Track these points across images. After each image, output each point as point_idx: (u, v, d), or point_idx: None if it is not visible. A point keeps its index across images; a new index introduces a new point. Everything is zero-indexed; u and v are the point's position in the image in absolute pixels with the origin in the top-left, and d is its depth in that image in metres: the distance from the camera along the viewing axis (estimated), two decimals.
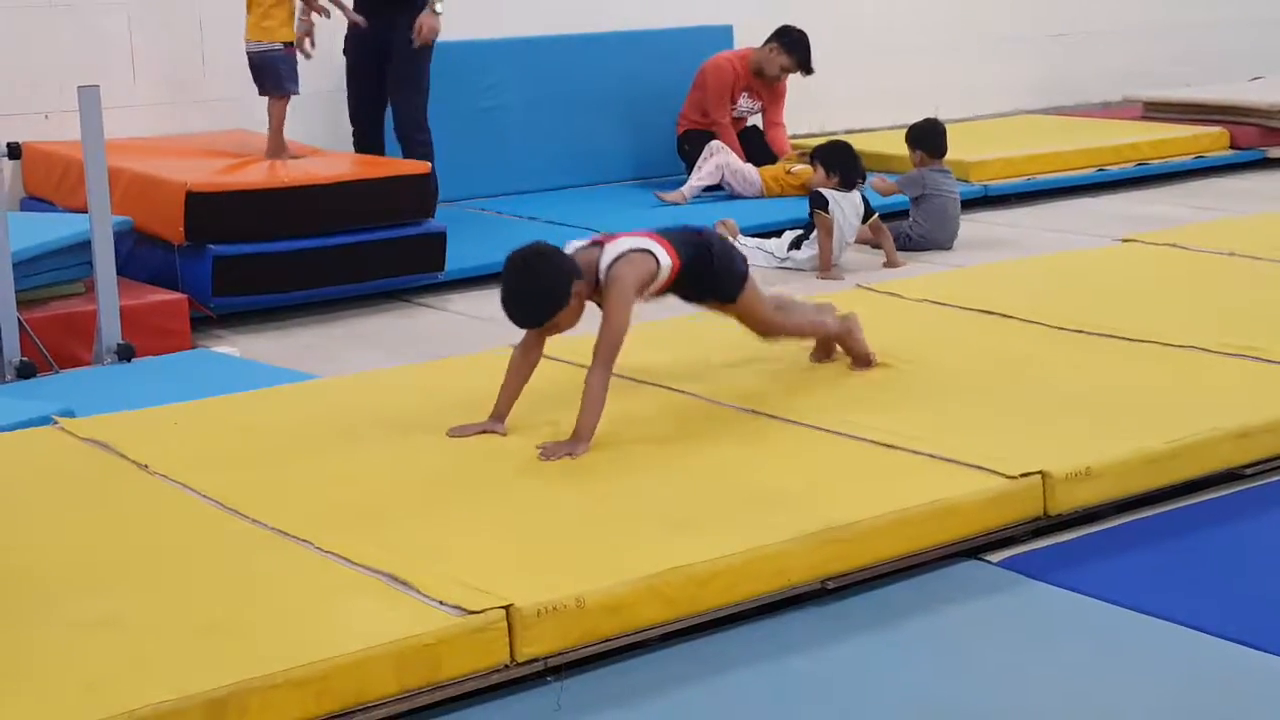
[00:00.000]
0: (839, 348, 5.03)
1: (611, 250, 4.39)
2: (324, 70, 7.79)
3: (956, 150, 8.21)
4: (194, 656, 3.12)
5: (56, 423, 4.66)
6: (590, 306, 4.42)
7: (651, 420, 4.57)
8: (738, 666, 3.37)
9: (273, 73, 7.18)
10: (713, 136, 8.80)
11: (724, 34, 9.60)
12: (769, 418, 4.55)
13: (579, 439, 4.25)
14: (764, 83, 9.04)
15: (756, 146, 8.97)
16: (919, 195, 7.75)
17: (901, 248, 7.53)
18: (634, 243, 4.43)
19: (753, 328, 4.81)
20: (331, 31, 7.69)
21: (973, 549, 3.89)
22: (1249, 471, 4.34)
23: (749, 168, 8.69)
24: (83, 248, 5.87)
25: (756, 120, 9.19)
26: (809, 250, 7.32)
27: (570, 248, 4.43)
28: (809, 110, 9.71)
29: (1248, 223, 7.71)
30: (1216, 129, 9.98)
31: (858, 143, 7.81)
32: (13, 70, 7.59)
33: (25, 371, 5.44)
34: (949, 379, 4.90)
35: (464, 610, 3.26)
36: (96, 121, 5.54)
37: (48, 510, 4.04)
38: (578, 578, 3.41)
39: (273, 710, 3.01)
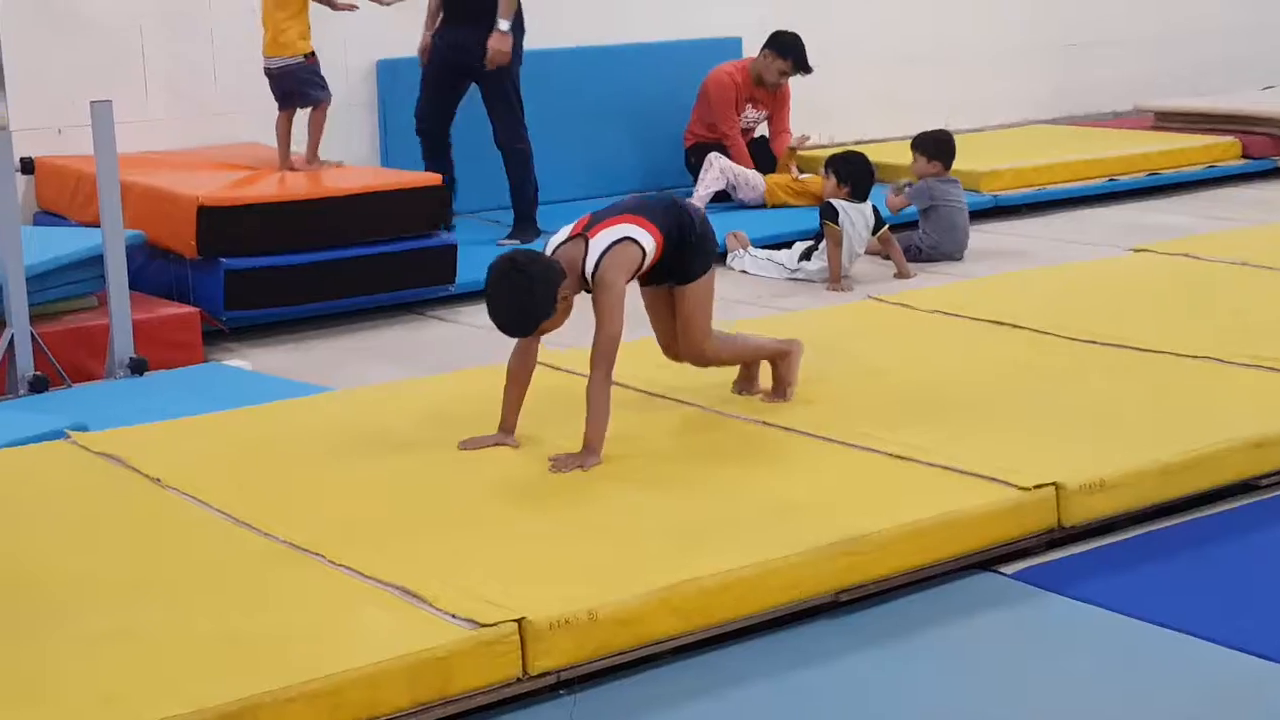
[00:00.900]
0: (757, 382, 4.87)
1: (596, 247, 4.34)
2: (333, 83, 7.79)
3: (967, 160, 8.21)
4: (208, 670, 3.13)
5: (69, 437, 4.67)
6: (581, 297, 4.37)
7: (662, 433, 4.57)
8: (750, 680, 3.36)
9: (298, 85, 7.20)
10: (720, 149, 8.83)
11: (733, 46, 9.60)
12: (781, 430, 4.54)
13: (589, 451, 4.25)
14: (766, 91, 9.08)
15: (764, 158, 8.99)
16: (927, 206, 7.75)
17: (911, 259, 7.52)
18: (616, 233, 4.37)
19: (684, 330, 4.61)
20: (338, 44, 7.68)
21: (986, 561, 3.88)
22: (1264, 483, 4.33)
23: (752, 172, 8.72)
24: (95, 262, 5.88)
25: (763, 130, 9.22)
26: (819, 261, 7.32)
27: (551, 245, 4.42)
28: (820, 122, 9.70)
29: (1260, 232, 7.70)
30: (1228, 138, 9.95)
31: (868, 154, 7.79)
32: (26, 85, 7.57)
33: (38, 385, 5.44)
34: (961, 390, 4.89)
35: (476, 623, 3.25)
36: (109, 136, 5.56)
37: (61, 524, 4.04)
38: (590, 590, 3.41)
39: None
